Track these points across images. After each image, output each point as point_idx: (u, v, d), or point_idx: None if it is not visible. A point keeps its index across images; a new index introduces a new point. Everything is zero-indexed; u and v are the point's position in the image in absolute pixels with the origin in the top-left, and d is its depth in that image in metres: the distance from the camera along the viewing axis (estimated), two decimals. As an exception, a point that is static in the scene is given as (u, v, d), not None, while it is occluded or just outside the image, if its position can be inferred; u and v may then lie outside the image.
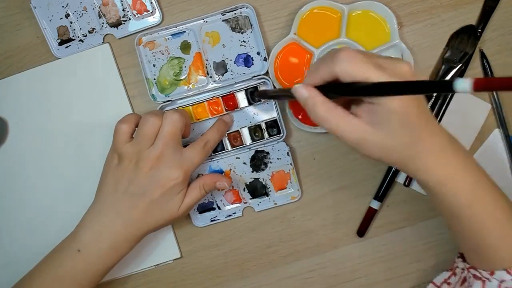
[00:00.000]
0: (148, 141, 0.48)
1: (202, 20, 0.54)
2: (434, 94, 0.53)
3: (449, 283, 0.48)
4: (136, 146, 0.48)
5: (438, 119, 0.54)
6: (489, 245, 0.43)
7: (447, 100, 0.54)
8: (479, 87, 0.27)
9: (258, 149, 0.56)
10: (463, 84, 0.28)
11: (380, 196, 0.55)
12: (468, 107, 0.55)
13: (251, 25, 0.54)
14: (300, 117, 0.54)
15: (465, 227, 0.43)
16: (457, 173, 0.41)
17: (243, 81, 0.54)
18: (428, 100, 0.54)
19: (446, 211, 0.44)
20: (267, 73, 0.54)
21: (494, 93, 0.54)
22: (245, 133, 0.56)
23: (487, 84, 0.27)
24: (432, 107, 0.54)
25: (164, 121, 0.48)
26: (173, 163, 0.48)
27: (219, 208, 0.57)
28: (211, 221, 0.57)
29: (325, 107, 0.39)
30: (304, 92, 0.39)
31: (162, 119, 0.49)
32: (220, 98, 0.55)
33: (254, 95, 0.54)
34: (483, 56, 0.54)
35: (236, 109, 0.55)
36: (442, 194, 0.42)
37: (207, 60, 0.55)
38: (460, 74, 0.54)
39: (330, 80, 0.39)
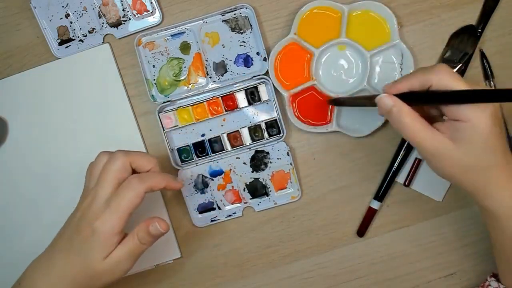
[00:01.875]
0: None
1: (202, 21, 0.54)
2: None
3: None
4: None
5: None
6: None
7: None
8: None
9: (258, 149, 0.56)
10: None
11: (380, 196, 0.55)
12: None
13: (251, 26, 0.54)
14: (302, 117, 0.54)
15: None
16: None
17: (242, 81, 0.54)
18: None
19: (500, 238, 0.44)
20: (266, 73, 0.54)
21: (494, 93, 0.54)
22: (245, 133, 0.56)
23: None
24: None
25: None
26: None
27: (219, 208, 0.57)
28: (211, 221, 0.57)
29: (411, 117, 0.40)
30: (389, 101, 0.41)
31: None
32: (220, 98, 0.55)
33: (331, 102, 0.53)
34: (483, 56, 0.54)
35: (235, 109, 0.55)
36: (502, 225, 0.42)
37: (206, 60, 0.55)
38: (460, 74, 0.54)
39: (417, 89, 0.41)
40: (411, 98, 0.41)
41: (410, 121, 0.40)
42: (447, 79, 0.39)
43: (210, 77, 0.55)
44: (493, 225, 0.44)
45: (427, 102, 0.42)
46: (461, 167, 0.40)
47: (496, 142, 0.39)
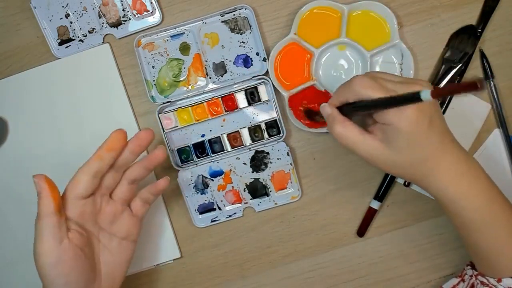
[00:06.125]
0: None
1: (201, 21, 0.54)
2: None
3: None
4: None
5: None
6: (498, 253, 0.44)
7: (447, 100, 0.54)
8: (435, 95, 0.33)
9: (258, 150, 0.56)
10: (426, 94, 0.34)
11: (380, 196, 0.55)
12: (468, 107, 0.55)
13: (250, 26, 0.54)
14: (307, 122, 0.54)
15: (476, 238, 0.44)
16: (470, 191, 0.43)
17: (242, 81, 0.54)
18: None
19: (458, 223, 0.45)
20: (266, 74, 0.54)
21: (494, 93, 0.54)
22: (245, 133, 0.56)
23: (441, 92, 0.34)
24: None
25: None
26: None
27: (219, 208, 0.57)
28: (212, 221, 0.57)
29: (342, 124, 0.44)
30: (328, 110, 0.45)
31: None
32: (220, 98, 0.55)
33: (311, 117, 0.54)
34: (483, 56, 0.54)
35: (235, 110, 0.55)
36: (454, 210, 0.44)
37: (206, 61, 0.55)
38: (460, 74, 0.54)
39: (346, 102, 0.44)
40: (341, 109, 0.45)
41: (341, 129, 0.44)
42: (362, 91, 0.41)
43: (210, 78, 0.55)
44: (447, 212, 0.45)
45: (354, 112, 0.44)
46: (395, 166, 0.43)
47: (424, 139, 0.41)
